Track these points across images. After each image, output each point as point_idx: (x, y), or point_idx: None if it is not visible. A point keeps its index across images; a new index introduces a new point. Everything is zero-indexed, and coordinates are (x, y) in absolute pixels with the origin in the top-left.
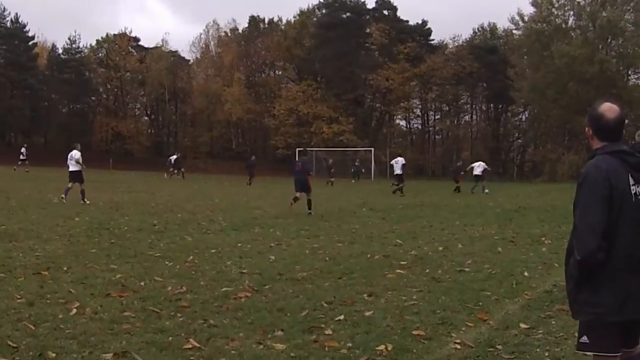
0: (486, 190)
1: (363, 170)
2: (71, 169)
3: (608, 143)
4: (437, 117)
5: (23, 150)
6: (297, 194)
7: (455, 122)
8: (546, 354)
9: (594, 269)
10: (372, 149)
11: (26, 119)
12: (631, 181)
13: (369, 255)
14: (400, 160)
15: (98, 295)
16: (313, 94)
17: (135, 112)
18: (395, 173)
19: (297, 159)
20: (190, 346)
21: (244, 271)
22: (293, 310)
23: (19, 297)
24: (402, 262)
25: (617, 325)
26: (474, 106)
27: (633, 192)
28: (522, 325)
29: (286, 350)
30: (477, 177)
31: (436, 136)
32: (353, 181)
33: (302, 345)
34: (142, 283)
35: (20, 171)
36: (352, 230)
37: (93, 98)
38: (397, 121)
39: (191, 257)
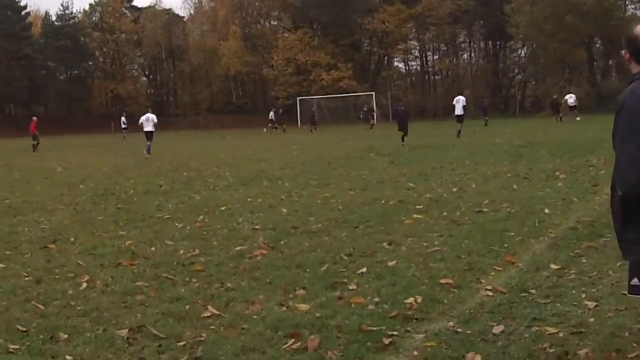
0: (578, 118)
1: (374, 113)
2: (147, 129)
3: None
4: (435, 57)
5: (123, 119)
6: (402, 133)
7: (454, 61)
8: (583, 295)
9: (638, 204)
10: (373, 93)
11: (25, 90)
12: None
13: (382, 202)
14: (461, 99)
15: (108, 266)
16: (310, 41)
17: (133, 74)
18: (455, 114)
19: (398, 105)
20: (209, 314)
21: (257, 227)
22: (312, 265)
23: (25, 274)
24: (417, 207)
25: None
26: (472, 44)
27: None
28: (553, 266)
29: (310, 311)
30: (572, 108)
31: (436, 76)
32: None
33: (327, 304)
34: (153, 248)
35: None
36: (362, 177)
37: (90, 63)
38: (396, 64)
39: (201, 217)
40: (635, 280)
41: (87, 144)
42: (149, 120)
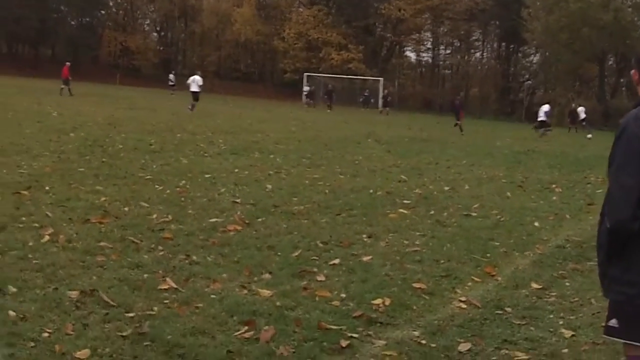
0: (589, 136)
1: (372, 100)
2: (193, 89)
3: None
4: (447, 52)
5: (171, 76)
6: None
7: (466, 58)
8: (560, 322)
9: (627, 240)
10: (381, 79)
11: (33, 30)
12: None
13: (371, 191)
14: (545, 107)
15: (76, 221)
16: (324, 19)
17: (144, 28)
18: (538, 119)
19: (456, 99)
20: (166, 287)
21: (237, 200)
22: (284, 248)
23: None
24: (405, 201)
25: None
26: (485, 44)
27: None
28: (534, 285)
29: (272, 298)
30: (582, 121)
31: (445, 71)
32: (363, 109)
33: (290, 293)
34: (126, 208)
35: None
36: (355, 162)
37: (102, 12)
38: (407, 53)
39: (183, 182)
40: (613, 322)
41: (89, 93)
42: (194, 81)
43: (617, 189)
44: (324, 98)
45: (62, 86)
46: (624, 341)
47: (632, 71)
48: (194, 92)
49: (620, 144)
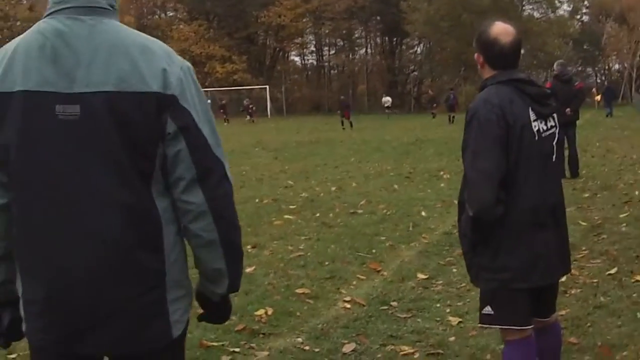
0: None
1: (253, 107)
2: None
3: (501, 71)
4: (332, 52)
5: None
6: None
7: (351, 56)
8: (447, 310)
9: (491, 226)
10: (267, 87)
11: None
12: (532, 116)
13: (257, 200)
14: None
15: None
16: (205, 33)
17: None
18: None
19: (451, 93)
20: None
21: None
22: None
23: None
24: (291, 206)
25: (526, 291)
26: (368, 40)
27: (535, 128)
28: (420, 276)
29: None
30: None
31: (332, 71)
32: (250, 119)
33: None
34: None
35: None
36: (242, 173)
37: None
38: (292, 58)
39: None
40: (487, 309)
41: None
42: None
43: (476, 175)
44: (220, 112)
45: None
46: (501, 327)
47: (476, 55)
48: None
49: (472, 129)
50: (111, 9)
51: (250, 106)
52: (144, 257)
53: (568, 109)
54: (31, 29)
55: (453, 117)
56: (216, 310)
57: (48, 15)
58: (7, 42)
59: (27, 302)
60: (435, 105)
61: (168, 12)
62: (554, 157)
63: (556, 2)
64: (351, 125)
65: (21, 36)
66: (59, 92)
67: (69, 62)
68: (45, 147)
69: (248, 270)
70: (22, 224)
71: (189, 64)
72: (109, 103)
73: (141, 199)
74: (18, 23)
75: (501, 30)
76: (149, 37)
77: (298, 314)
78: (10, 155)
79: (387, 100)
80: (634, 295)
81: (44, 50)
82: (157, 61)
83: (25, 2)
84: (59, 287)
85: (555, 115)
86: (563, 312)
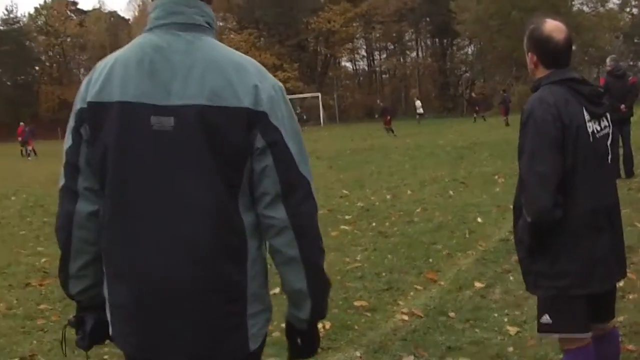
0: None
1: (305, 117)
2: None
3: (555, 70)
4: (383, 56)
5: None
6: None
7: (402, 60)
8: (505, 319)
9: (550, 231)
10: (319, 95)
11: None
12: (586, 116)
13: None
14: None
15: (17, 287)
16: (255, 42)
17: (80, 78)
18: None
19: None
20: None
21: None
22: None
23: None
24: (347, 217)
25: (585, 297)
26: (419, 42)
27: (590, 130)
28: (477, 285)
29: None
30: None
31: (383, 75)
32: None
33: None
34: None
35: None
36: None
37: (37, 68)
38: (343, 63)
39: None
40: (546, 318)
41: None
42: None
43: (533, 179)
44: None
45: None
46: (560, 335)
47: (529, 54)
48: None
49: (528, 130)
50: (208, 26)
51: (303, 116)
52: (228, 267)
53: (623, 106)
54: (130, 43)
55: (506, 119)
56: (302, 340)
57: (147, 30)
58: (59, 58)
59: (115, 306)
60: (477, 108)
61: (218, 22)
62: (609, 158)
63: None
64: (393, 132)
65: (120, 50)
66: (155, 104)
67: (165, 76)
68: (138, 157)
69: None
70: (113, 229)
71: (280, 83)
72: (201, 116)
73: (229, 211)
74: (68, 39)
75: (554, 27)
76: (242, 55)
77: (356, 327)
78: (105, 163)
79: (418, 105)
80: None
81: (143, 64)
82: (250, 78)
83: (75, 18)
84: (147, 292)
85: (608, 114)
86: (621, 319)
